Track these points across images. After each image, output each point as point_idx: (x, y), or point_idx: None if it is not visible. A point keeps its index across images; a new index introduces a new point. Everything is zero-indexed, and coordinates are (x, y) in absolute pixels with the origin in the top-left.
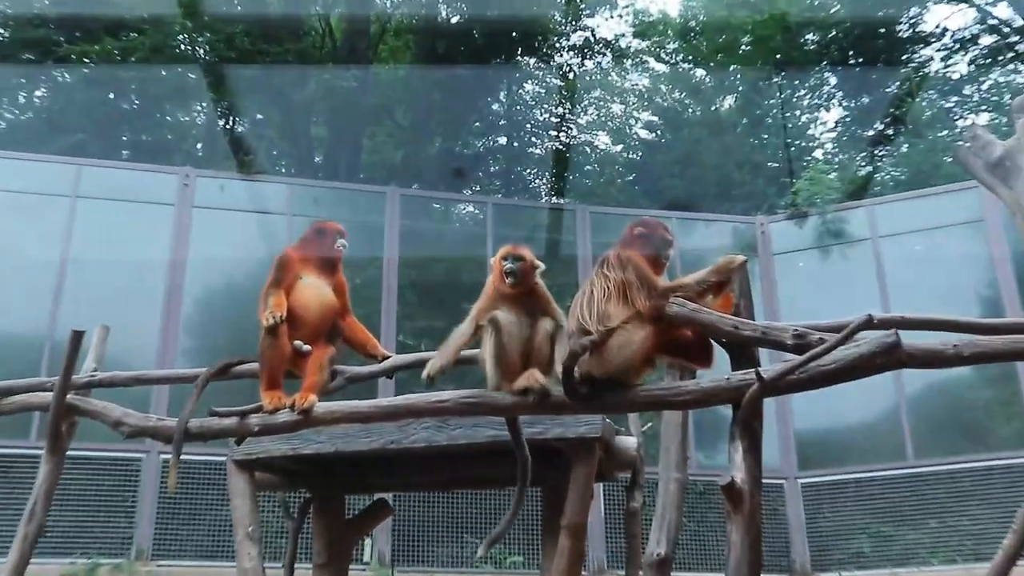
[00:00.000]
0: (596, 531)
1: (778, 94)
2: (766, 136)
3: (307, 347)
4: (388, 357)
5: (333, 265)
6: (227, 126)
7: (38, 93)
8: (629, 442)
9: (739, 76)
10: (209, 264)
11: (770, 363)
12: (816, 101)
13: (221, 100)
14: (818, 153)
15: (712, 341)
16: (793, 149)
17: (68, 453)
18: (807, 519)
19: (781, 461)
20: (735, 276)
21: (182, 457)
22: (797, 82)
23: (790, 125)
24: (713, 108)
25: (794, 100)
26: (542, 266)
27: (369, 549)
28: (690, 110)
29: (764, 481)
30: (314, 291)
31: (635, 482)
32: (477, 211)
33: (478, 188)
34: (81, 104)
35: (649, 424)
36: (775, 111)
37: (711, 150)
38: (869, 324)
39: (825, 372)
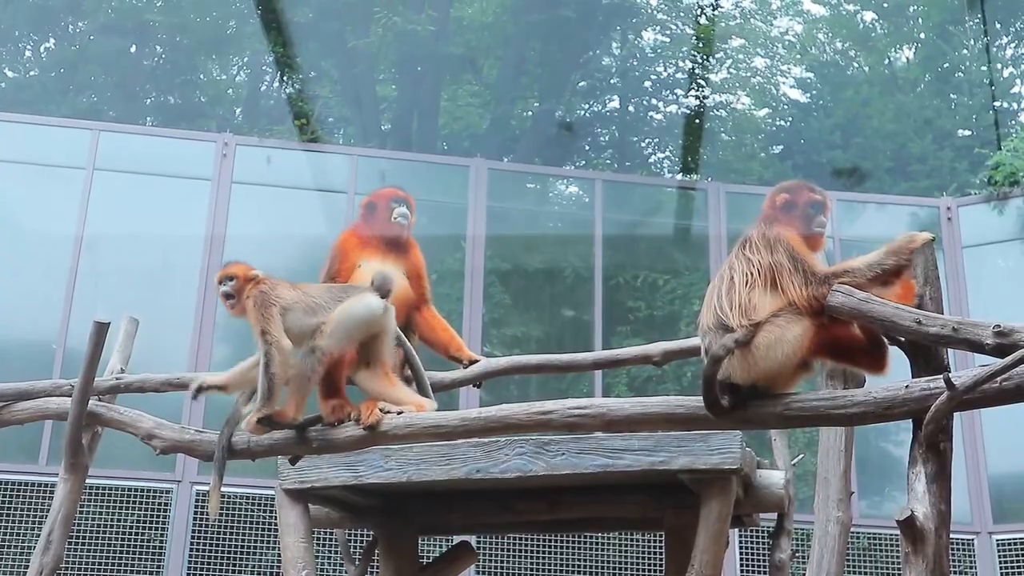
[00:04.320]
0: None
1: (972, 42)
2: (955, 96)
3: None
4: (476, 361)
5: (401, 244)
6: (273, 84)
7: (46, 46)
8: (774, 478)
9: (921, 19)
10: (253, 250)
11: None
12: None
13: (265, 53)
14: None
15: (886, 340)
16: (992, 112)
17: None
18: None
19: (971, 511)
20: (918, 258)
21: (222, 489)
22: (999, 25)
23: (987, 81)
24: (886, 62)
25: (994, 49)
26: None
27: None
28: (855, 64)
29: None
30: None
31: (781, 528)
32: (582, 191)
33: (583, 162)
34: (97, 59)
35: (801, 456)
36: (968, 63)
37: (883, 114)
38: None
39: None
